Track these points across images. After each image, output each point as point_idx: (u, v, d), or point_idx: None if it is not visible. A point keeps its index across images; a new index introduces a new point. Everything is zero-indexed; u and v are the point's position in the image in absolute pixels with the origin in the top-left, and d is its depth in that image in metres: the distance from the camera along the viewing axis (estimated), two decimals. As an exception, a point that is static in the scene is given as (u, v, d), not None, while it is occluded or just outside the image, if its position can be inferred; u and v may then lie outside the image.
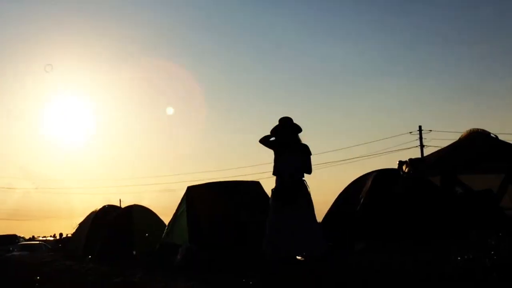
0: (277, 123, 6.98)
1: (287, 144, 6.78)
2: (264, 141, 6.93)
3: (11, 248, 25.08)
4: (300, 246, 6.44)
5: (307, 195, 6.71)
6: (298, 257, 6.72)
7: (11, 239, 29.05)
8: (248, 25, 75.63)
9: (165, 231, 10.64)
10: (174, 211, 10.65)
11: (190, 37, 78.57)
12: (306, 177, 6.91)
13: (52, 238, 32.01)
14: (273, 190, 6.91)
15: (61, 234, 30.36)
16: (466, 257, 5.04)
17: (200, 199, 9.57)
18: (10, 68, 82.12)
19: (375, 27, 72.11)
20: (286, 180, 6.68)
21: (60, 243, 27.55)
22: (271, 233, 6.57)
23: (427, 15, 68.69)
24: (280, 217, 6.53)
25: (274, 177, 6.95)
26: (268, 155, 7.25)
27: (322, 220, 10.22)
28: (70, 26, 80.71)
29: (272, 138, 6.93)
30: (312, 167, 6.93)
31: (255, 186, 9.25)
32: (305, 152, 6.82)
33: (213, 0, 75.42)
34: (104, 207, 15.89)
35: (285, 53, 76.12)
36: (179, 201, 10.44)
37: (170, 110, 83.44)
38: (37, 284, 8.80)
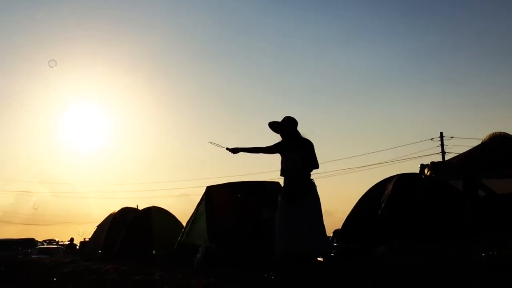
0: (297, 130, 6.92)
1: (287, 143, 6.71)
2: (269, 151, 6.90)
3: (29, 251, 25.38)
4: (302, 243, 6.39)
5: (313, 192, 6.62)
6: (319, 258, 6.69)
7: (29, 243, 29.37)
8: (267, 32, 75.80)
9: (183, 231, 10.64)
10: (189, 216, 10.66)
11: (209, 45, 79.10)
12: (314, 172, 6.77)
13: (68, 243, 32.31)
14: (280, 189, 6.95)
15: (72, 239, 30.69)
16: (490, 253, 4.98)
17: (220, 198, 9.55)
18: (22, 71, 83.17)
19: (396, 32, 72.00)
20: (288, 178, 6.64)
21: (78, 246, 27.83)
22: (276, 231, 6.57)
23: (449, 20, 68.35)
24: (284, 215, 6.54)
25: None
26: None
27: (343, 225, 10.16)
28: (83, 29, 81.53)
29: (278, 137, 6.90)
30: (332, 172, 6.91)
31: (275, 186, 9.20)
32: (306, 147, 6.64)
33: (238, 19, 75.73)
34: (123, 208, 15.99)
35: (307, 61, 76.27)
36: (195, 205, 10.44)
37: (187, 114, 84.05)
38: (53, 286, 8.85)
